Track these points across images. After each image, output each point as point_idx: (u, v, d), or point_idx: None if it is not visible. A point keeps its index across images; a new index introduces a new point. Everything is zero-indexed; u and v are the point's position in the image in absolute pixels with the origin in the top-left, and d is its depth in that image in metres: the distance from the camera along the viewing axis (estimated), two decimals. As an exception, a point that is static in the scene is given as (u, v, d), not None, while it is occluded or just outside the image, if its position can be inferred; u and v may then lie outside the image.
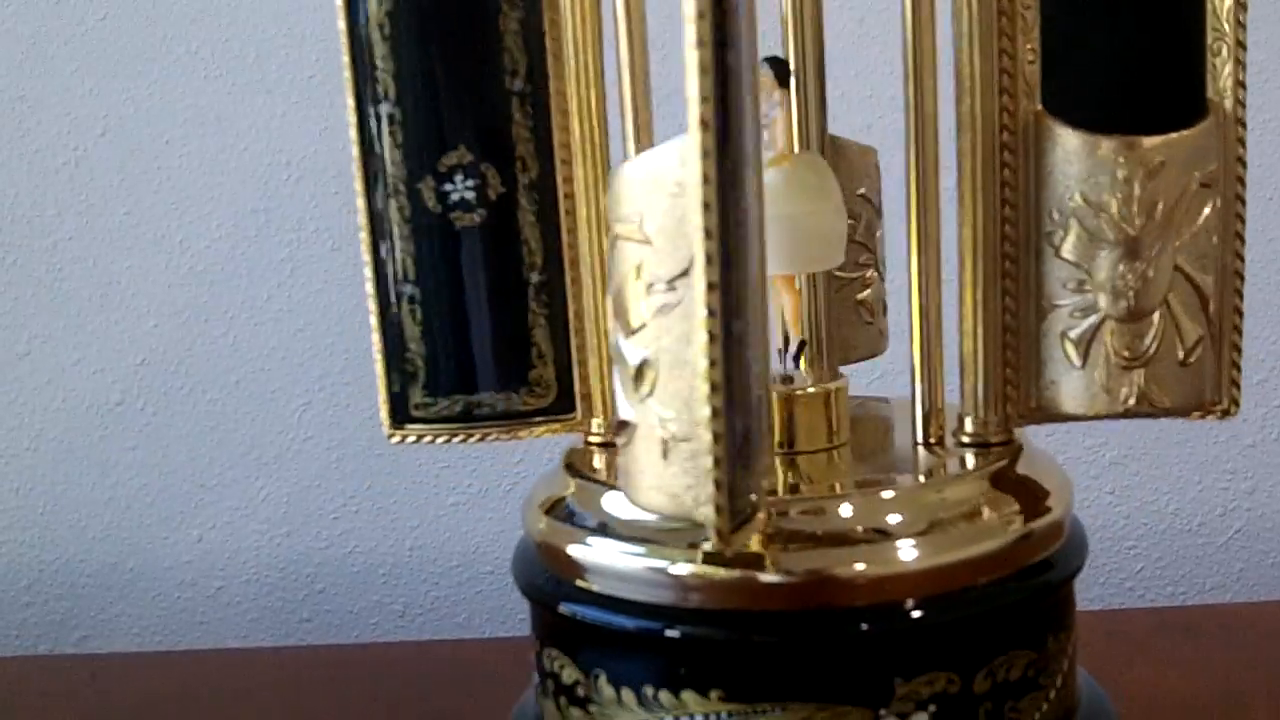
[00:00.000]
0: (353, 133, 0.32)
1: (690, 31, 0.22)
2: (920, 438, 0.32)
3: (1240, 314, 0.31)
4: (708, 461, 0.24)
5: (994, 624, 0.29)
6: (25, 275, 0.62)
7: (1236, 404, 0.31)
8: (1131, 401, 0.30)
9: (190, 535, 0.63)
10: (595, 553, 0.30)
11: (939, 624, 0.28)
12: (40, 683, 0.55)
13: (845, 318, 0.37)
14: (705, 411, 0.24)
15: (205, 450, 0.63)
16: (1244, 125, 0.30)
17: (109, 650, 0.64)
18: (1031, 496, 0.31)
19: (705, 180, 0.23)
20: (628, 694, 0.29)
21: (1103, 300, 0.30)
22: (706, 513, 0.25)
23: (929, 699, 0.28)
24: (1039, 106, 0.30)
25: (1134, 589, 0.59)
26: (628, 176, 0.26)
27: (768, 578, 0.28)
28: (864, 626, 0.28)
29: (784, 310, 0.33)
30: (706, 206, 0.23)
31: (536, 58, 0.31)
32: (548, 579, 0.31)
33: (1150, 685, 0.45)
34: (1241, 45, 0.29)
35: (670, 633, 0.28)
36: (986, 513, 0.30)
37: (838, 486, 0.31)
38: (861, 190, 0.37)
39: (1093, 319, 0.30)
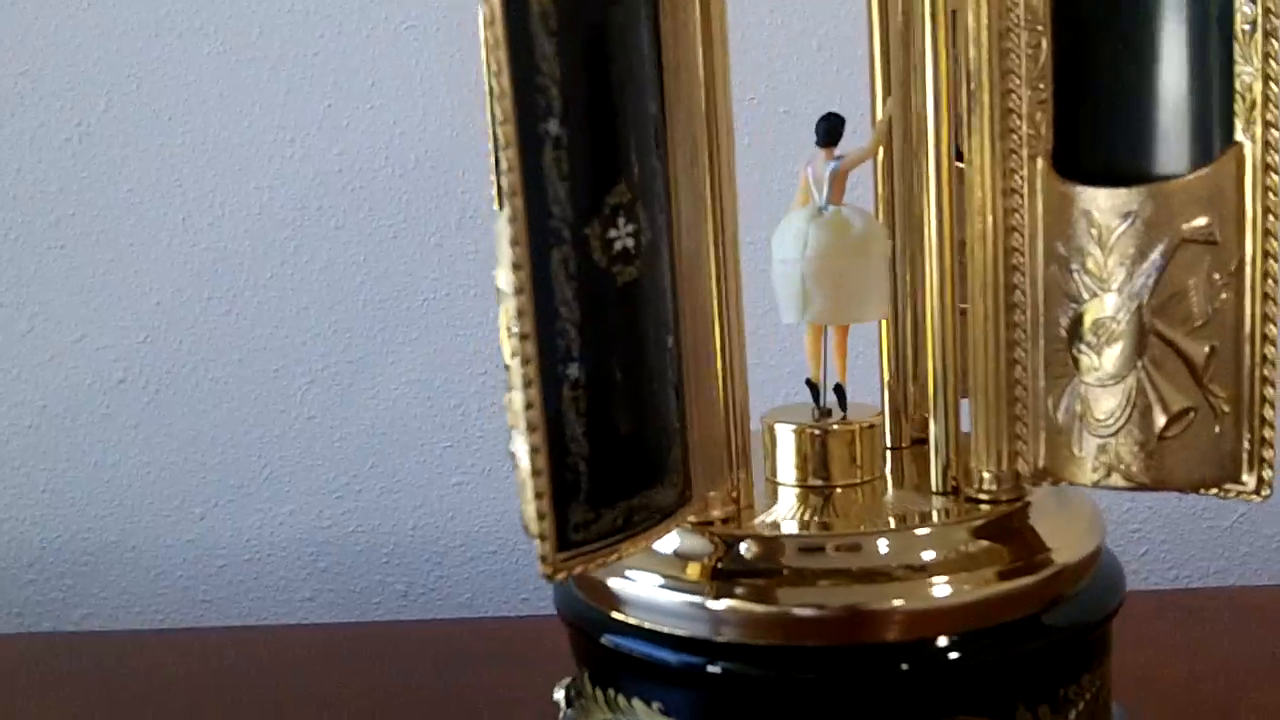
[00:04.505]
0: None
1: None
2: (938, 487, 0.32)
3: (1270, 384, 0.27)
4: (531, 488, 0.24)
5: (1029, 663, 0.29)
6: (27, 252, 0.62)
7: (1266, 485, 0.27)
8: (1098, 475, 0.28)
9: (193, 513, 0.63)
10: (638, 587, 0.30)
11: (978, 663, 0.29)
12: (42, 661, 0.55)
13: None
14: (525, 449, 0.24)
15: (208, 428, 0.63)
16: (1277, 172, 0.26)
17: (111, 628, 0.64)
18: (1059, 535, 0.30)
19: (514, 242, 0.23)
20: None
21: (1078, 361, 0.28)
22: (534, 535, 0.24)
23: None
24: (1043, 151, 0.28)
25: (1138, 572, 0.59)
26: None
27: (804, 612, 0.28)
28: (903, 665, 0.28)
29: (835, 355, 0.33)
30: (517, 266, 0.23)
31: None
32: (591, 612, 0.31)
33: (1153, 668, 0.45)
34: (1273, 80, 0.25)
35: (712, 668, 0.29)
36: (1012, 551, 0.29)
37: (872, 523, 0.31)
38: None
39: (1066, 382, 0.28)
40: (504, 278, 0.23)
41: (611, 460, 0.25)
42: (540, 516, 0.24)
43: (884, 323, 0.34)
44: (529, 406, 0.24)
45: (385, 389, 0.62)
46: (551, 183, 0.24)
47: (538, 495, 0.24)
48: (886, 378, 0.35)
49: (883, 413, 0.34)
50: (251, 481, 0.63)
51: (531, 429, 0.24)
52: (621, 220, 0.25)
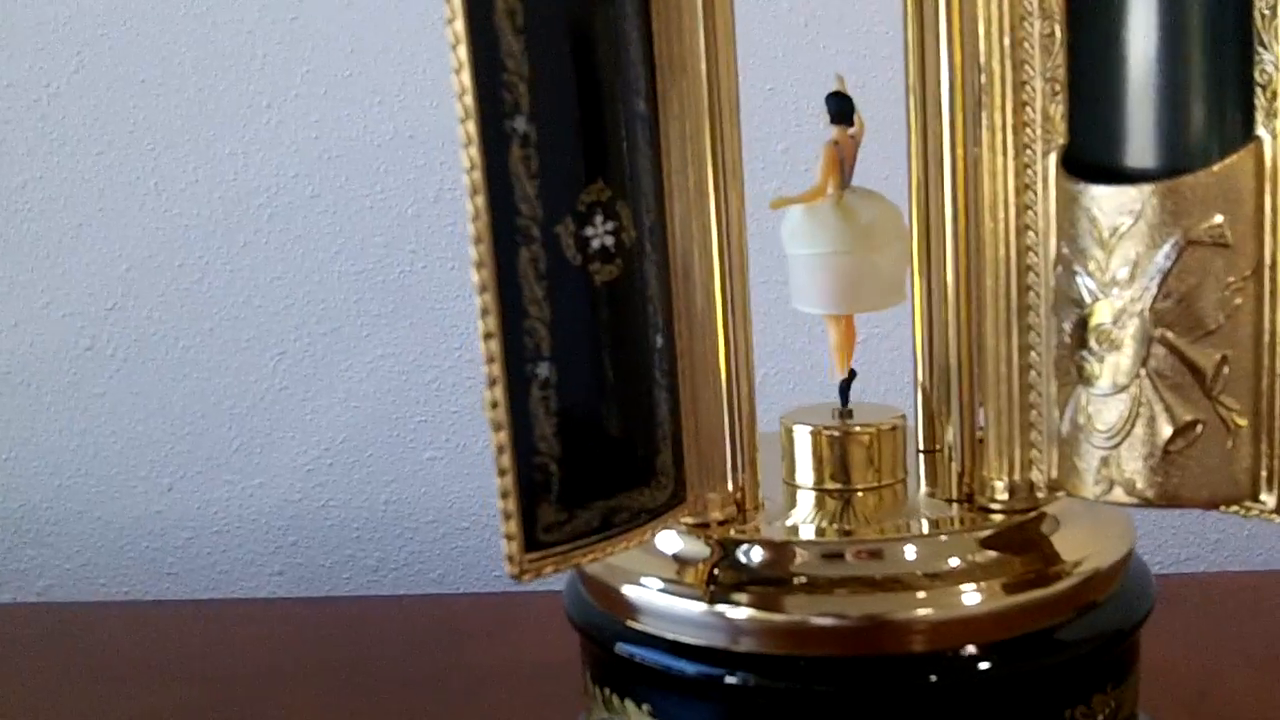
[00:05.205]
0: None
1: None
2: (953, 494, 0.31)
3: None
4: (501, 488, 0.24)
5: (1058, 673, 0.29)
6: (-7, 215, 0.60)
7: None
8: (1100, 489, 0.26)
9: (160, 484, 0.63)
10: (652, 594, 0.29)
11: (1005, 674, 0.28)
12: (4, 631, 0.54)
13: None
14: (494, 447, 0.24)
15: (177, 398, 0.62)
16: None
17: (75, 599, 0.63)
18: (1085, 541, 0.30)
19: (477, 240, 0.23)
20: None
21: (1080, 368, 0.26)
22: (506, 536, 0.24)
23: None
24: (1056, 147, 0.27)
25: (1109, 559, 0.59)
26: None
27: (823, 622, 0.27)
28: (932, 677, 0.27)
29: (832, 346, 0.33)
30: (480, 265, 0.23)
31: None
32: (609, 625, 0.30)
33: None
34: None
35: (730, 679, 0.28)
36: (1040, 556, 0.29)
37: (879, 529, 0.30)
38: None
39: (1070, 390, 0.27)
40: (473, 276, 0.24)
41: (588, 460, 0.25)
42: (507, 516, 0.24)
43: (918, 321, 0.33)
44: (494, 405, 0.24)
45: (359, 362, 0.61)
46: (519, 180, 0.24)
47: (503, 494, 0.24)
48: (920, 378, 0.33)
49: (905, 415, 0.33)
50: (221, 453, 0.62)
51: (497, 427, 0.24)
52: (599, 218, 0.25)
